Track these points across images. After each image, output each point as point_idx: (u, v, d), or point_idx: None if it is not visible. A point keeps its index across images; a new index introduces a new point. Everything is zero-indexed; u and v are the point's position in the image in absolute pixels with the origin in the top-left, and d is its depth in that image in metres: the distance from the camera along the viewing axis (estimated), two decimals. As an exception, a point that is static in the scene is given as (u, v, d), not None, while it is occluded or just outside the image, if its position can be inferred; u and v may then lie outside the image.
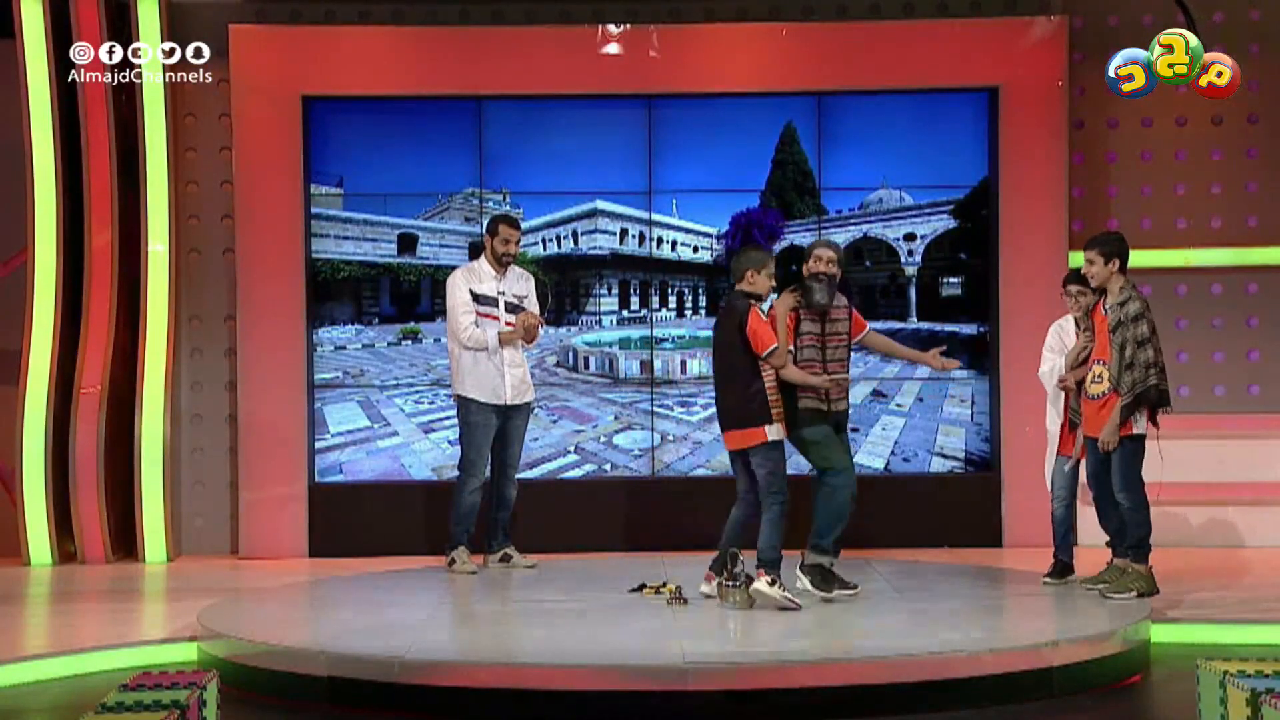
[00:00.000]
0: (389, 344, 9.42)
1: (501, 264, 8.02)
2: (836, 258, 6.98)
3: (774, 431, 6.81)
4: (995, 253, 9.29)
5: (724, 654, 6.00)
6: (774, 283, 6.98)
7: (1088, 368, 7.18)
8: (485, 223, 8.19)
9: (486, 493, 8.12)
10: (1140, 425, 6.98)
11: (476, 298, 7.95)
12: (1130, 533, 7.08)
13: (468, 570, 7.91)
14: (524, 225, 9.41)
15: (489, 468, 8.10)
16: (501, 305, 7.98)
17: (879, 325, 9.32)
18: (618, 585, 7.39)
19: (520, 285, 8.11)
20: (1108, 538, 7.29)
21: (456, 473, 8.14)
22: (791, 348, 6.90)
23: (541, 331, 8.18)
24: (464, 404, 7.99)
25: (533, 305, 8.12)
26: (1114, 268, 7.04)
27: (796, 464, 7.19)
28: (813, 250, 7.06)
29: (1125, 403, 6.89)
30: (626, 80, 9.28)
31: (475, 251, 9.24)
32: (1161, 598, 7.10)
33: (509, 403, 7.97)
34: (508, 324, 7.96)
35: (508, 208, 9.35)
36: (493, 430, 7.99)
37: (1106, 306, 7.09)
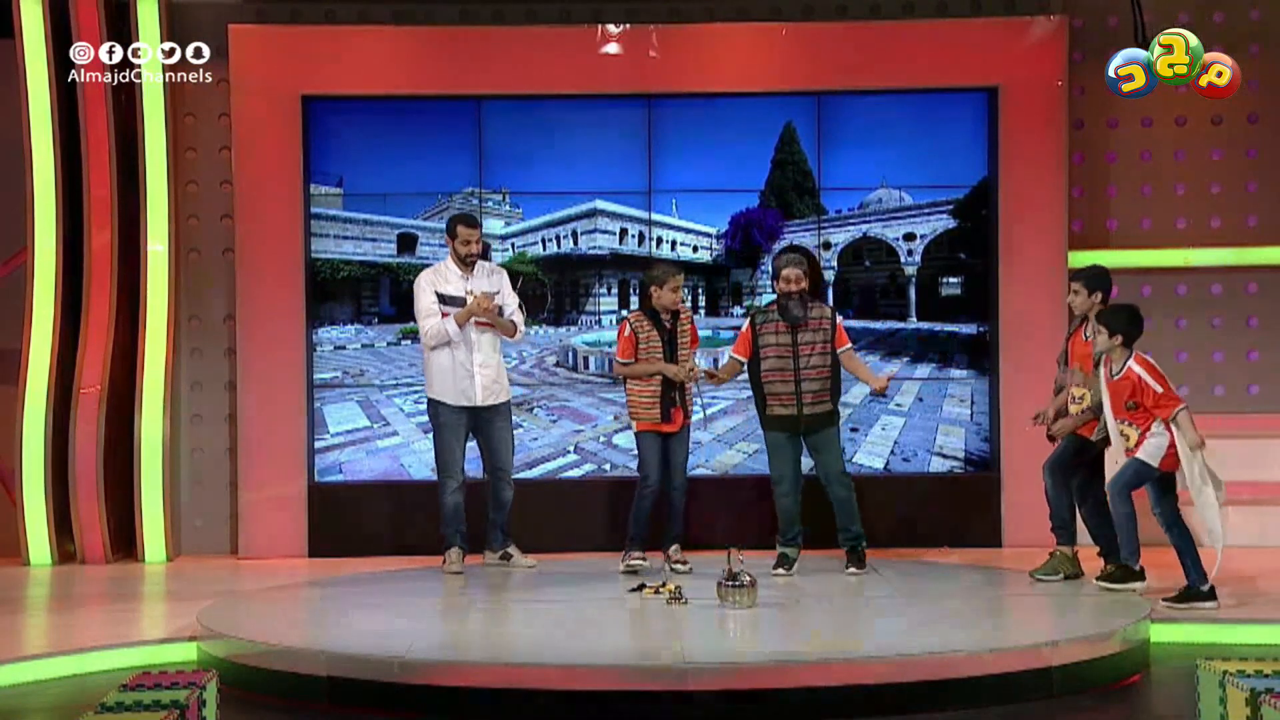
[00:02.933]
0: (389, 344, 9.42)
1: (466, 264, 7.95)
2: (801, 272, 7.64)
3: (633, 424, 7.93)
4: (995, 253, 9.29)
5: (724, 654, 6.01)
6: (678, 296, 7.81)
7: (1066, 394, 7.61)
8: (445, 222, 8.15)
9: (481, 493, 8.08)
10: (1096, 435, 7.44)
11: (444, 299, 7.88)
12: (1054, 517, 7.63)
13: (453, 571, 7.87)
14: (524, 225, 9.43)
15: (467, 470, 8.05)
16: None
17: (879, 326, 9.36)
18: (617, 585, 7.40)
19: (490, 282, 8.01)
20: (1098, 543, 7.60)
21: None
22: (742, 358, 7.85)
23: (519, 322, 8.03)
24: (434, 406, 7.96)
25: (508, 299, 8.03)
26: (1095, 300, 7.53)
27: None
28: (779, 272, 7.69)
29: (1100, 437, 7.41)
30: (626, 80, 9.28)
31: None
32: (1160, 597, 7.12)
33: (480, 404, 7.90)
34: (480, 322, 7.92)
35: (508, 207, 9.35)
36: (463, 431, 7.93)
37: (1087, 334, 7.47)
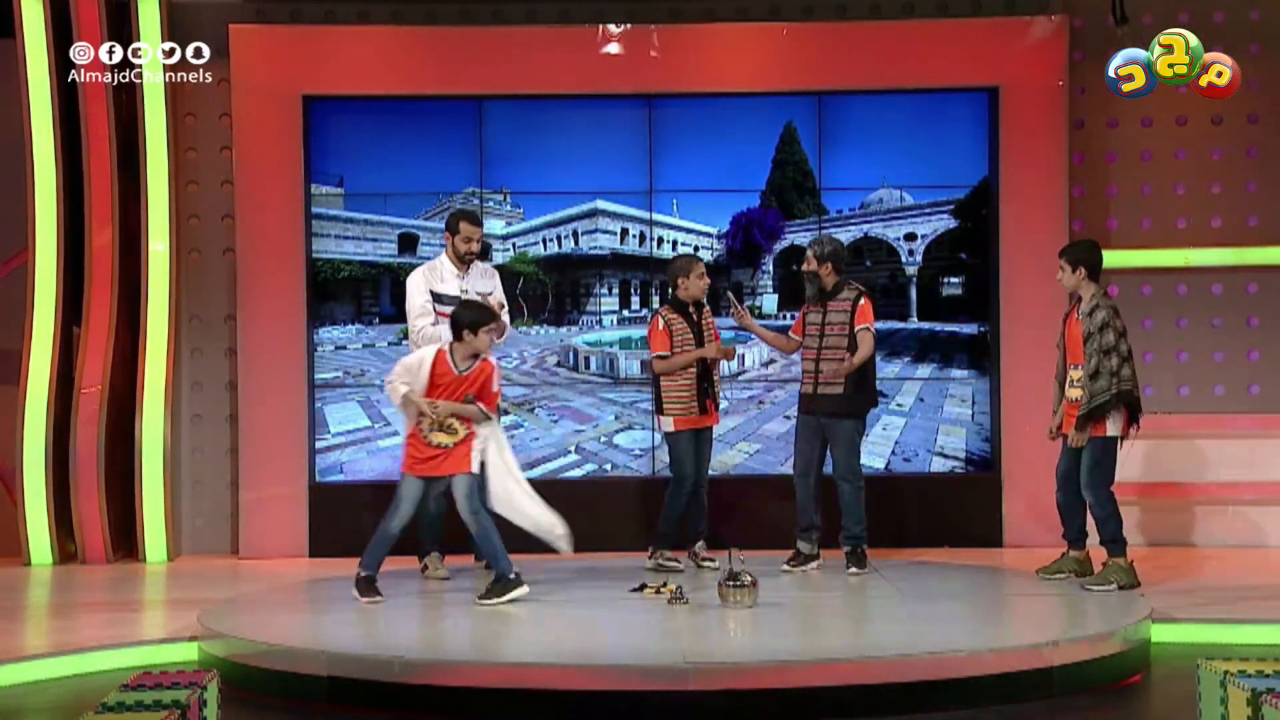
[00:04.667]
0: (389, 344, 9.42)
1: (464, 262, 7.82)
2: (812, 254, 7.83)
3: (666, 423, 7.91)
4: (995, 252, 9.30)
5: (724, 654, 6.01)
6: (705, 282, 7.89)
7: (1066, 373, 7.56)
8: (445, 219, 8.05)
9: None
10: (1116, 428, 7.29)
11: (439, 298, 7.71)
12: (1102, 530, 7.39)
13: (440, 576, 7.80)
14: (524, 225, 9.43)
15: None
16: None
17: (879, 325, 9.35)
18: (618, 585, 7.40)
19: (484, 282, 7.87)
20: (1066, 533, 7.58)
21: None
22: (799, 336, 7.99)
23: (506, 322, 7.87)
24: None
25: (501, 300, 7.91)
26: (1081, 275, 7.45)
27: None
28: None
29: (1083, 411, 7.26)
30: (627, 80, 9.28)
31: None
32: (1163, 598, 7.12)
33: None
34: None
35: (508, 207, 9.35)
36: None
37: (1080, 313, 7.41)
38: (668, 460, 8.09)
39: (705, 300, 8.02)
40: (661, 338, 7.86)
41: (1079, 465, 7.38)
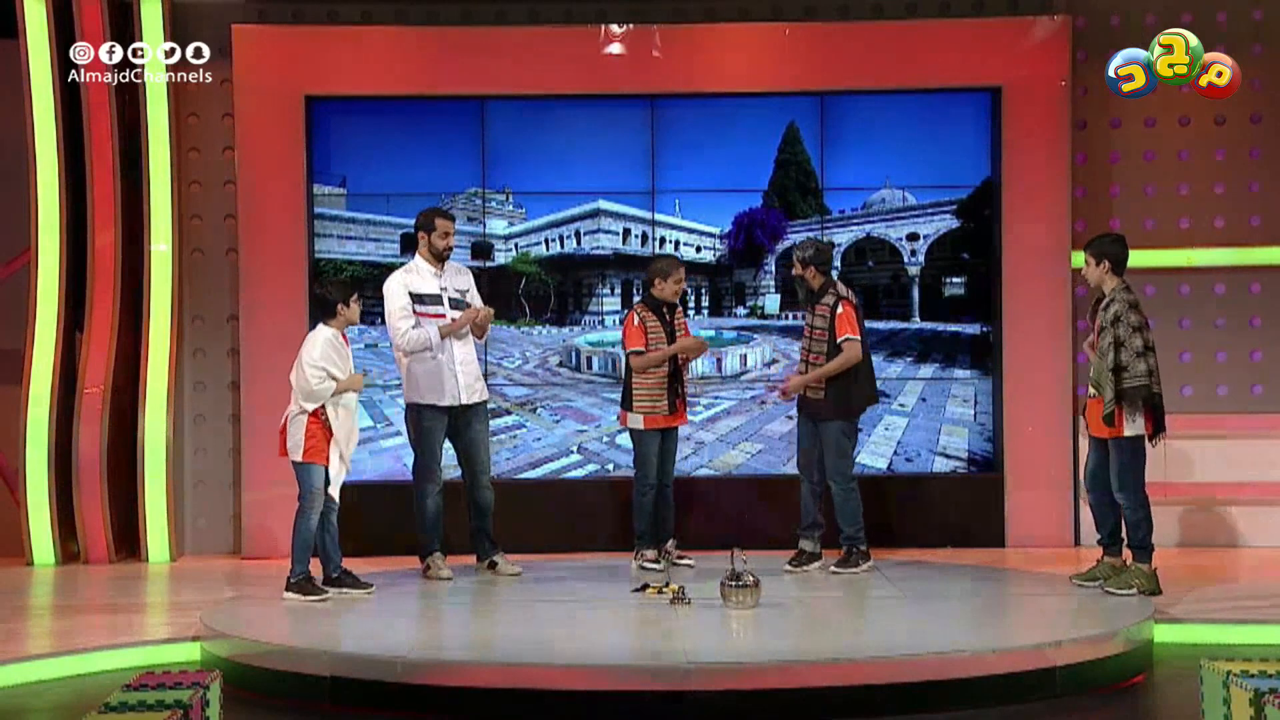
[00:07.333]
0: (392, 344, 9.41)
1: (440, 260, 7.83)
2: (796, 258, 7.88)
3: (635, 420, 7.92)
4: (998, 253, 9.29)
5: (726, 654, 6.01)
6: (680, 288, 7.95)
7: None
8: (415, 219, 8.01)
9: (458, 498, 8.05)
10: (1136, 427, 7.08)
11: (419, 298, 7.73)
12: (1131, 533, 7.25)
13: (444, 576, 7.79)
14: (527, 225, 9.43)
15: (447, 475, 8.01)
16: (445, 302, 7.78)
17: (882, 326, 9.36)
18: (620, 585, 7.40)
19: (461, 279, 7.92)
20: (1099, 535, 7.44)
21: (412, 478, 8.01)
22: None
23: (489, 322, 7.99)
24: (416, 410, 7.82)
25: (475, 299, 7.93)
26: (1105, 269, 7.29)
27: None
28: None
29: (1106, 411, 7.11)
30: (629, 80, 9.28)
31: (477, 251, 9.25)
32: (1165, 598, 7.12)
33: (463, 403, 7.78)
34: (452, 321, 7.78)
35: (511, 207, 9.35)
36: (444, 434, 7.83)
37: (1102, 307, 7.32)
38: (634, 457, 8.07)
39: (678, 302, 8.07)
40: (636, 334, 7.91)
41: (1104, 466, 7.28)
